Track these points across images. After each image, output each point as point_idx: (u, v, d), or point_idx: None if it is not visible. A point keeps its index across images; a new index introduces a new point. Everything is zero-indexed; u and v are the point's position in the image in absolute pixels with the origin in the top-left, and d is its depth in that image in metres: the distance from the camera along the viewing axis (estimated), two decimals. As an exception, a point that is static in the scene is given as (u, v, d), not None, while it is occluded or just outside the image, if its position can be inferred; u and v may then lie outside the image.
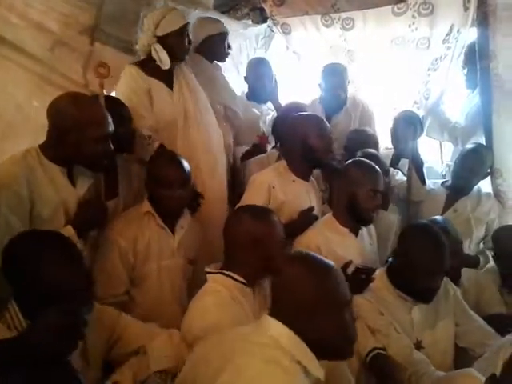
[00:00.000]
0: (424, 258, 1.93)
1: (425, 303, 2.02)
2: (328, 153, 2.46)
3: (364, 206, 2.26)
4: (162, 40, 2.50)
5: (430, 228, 2.09)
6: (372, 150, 2.89)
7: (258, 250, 1.78)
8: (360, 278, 2.08)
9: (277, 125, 3.00)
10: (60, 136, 1.86)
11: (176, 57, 2.57)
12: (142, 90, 2.51)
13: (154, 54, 2.51)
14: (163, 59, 2.51)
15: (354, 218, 2.31)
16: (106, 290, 2.05)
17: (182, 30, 2.53)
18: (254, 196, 2.40)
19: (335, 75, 3.38)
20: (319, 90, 3.49)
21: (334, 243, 2.25)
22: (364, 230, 2.42)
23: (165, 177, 2.14)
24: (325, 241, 2.24)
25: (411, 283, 1.98)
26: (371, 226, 2.49)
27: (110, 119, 1.94)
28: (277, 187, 2.41)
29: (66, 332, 1.31)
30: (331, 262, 1.41)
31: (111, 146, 1.96)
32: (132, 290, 2.15)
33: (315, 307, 1.30)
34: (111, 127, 1.95)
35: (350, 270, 2.10)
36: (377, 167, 2.35)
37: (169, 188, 2.12)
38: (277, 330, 1.31)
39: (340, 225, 2.33)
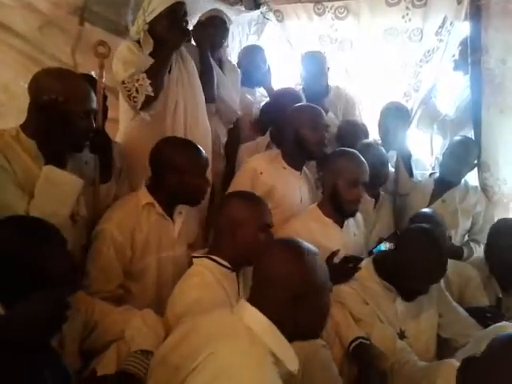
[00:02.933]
0: (426, 265, 1.95)
1: (406, 300, 2.04)
2: (319, 145, 2.44)
3: (344, 198, 2.25)
4: (152, 26, 2.36)
5: (434, 237, 2.05)
6: (371, 140, 2.89)
7: (238, 234, 1.80)
8: (347, 267, 2.09)
9: (269, 111, 2.99)
10: (39, 111, 1.78)
11: (167, 44, 2.37)
12: (139, 63, 2.34)
13: (141, 41, 2.39)
14: (146, 52, 2.38)
15: (337, 209, 2.30)
16: (99, 284, 1.95)
17: (170, 12, 2.34)
18: (237, 181, 2.44)
19: (314, 62, 3.37)
20: (300, 79, 3.48)
21: (317, 233, 2.23)
22: (350, 220, 2.42)
23: (198, 165, 2.06)
24: (306, 230, 2.21)
25: (402, 281, 2.01)
26: (358, 216, 2.49)
27: (93, 96, 1.87)
28: (265, 172, 2.42)
29: (51, 316, 1.30)
30: (313, 247, 1.40)
31: (93, 123, 1.88)
32: (130, 284, 2.05)
33: (300, 293, 1.29)
34: (95, 104, 1.87)
35: (337, 258, 2.11)
36: (361, 157, 2.32)
37: (202, 176, 2.07)
38: (252, 318, 1.31)
39: (324, 215, 2.32)
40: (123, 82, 2.29)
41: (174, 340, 1.42)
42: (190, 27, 2.62)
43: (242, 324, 1.30)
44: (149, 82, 2.27)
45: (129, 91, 2.29)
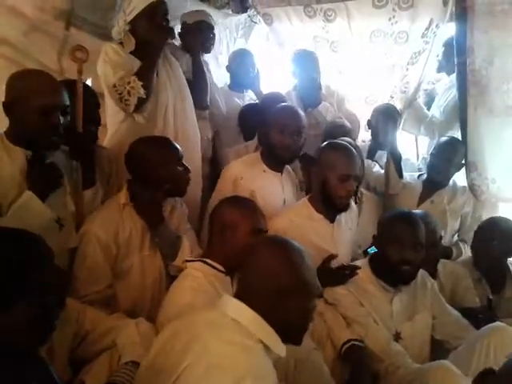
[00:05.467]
0: (396, 231, 1.97)
1: (404, 284, 2.03)
2: (287, 150, 2.42)
3: (335, 193, 2.19)
4: (133, 25, 2.35)
5: (404, 210, 2.14)
6: (346, 138, 2.87)
7: (230, 238, 1.79)
8: (342, 273, 2.07)
9: (253, 115, 2.98)
10: (8, 111, 1.76)
11: (152, 44, 2.36)
12: (126, 64, 2.33)
13: (123, 41, 2.37)
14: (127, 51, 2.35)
15: (328, 203, 2.24)
16: (87, 285, 1.93)
17: (150, 11, 2.32)
18: (220, 189, 2.43)
19: (308, 60, 3.40)
20: (294, 78, 3.50)
21: (306, 230, 2.19)
22: (342, 215, 2.35)
23: (169, 155, 2.06)
24: (294, 227, 2.17)
25: (387, 261, 1.99)
26: (353, 209, 2.45)
27: (62, 91, 1.81)
28: (245, 177, 2.40)
29: (37, 324, 1.28)
30: (300, 245, 1.41)
31: (60, 119, 1.80)
32: (115, 283, 2.02)
33: (286, 293, 1.30)
34: (62, 99, 1.81)
35: (334, 263, 2.09)
36: (352, 151, 2.27)
37: (176, 164, 2.07)
38: (237, 310, 1.31)
39: (315, 210, 2.27)
40: (114, 86, 2.28)
41: (158, 345, 1.40)
42: (176, 29, 2.61)
43: (227, 317, 1.31)
44: (140, 83, 2.27)
45: (120, 94, 2.28)
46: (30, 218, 1.71)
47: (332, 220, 2.28)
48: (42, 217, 1.79)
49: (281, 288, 1.30)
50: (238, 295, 1.37)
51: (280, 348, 1.32)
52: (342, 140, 2.80)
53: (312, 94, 3.34)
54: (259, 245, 1.46)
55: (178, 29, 3.06)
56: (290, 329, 1.34)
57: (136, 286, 2.06)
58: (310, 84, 3.37)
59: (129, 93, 2.27)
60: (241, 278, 1.42)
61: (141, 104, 2.32)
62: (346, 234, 2.37)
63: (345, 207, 2.26)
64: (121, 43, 2.40)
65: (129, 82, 2.26)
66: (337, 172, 2.17)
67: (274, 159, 2.49)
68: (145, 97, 2.30)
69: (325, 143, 2.40)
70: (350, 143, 2.78)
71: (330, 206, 2.24)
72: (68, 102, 1.86)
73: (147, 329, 1.68)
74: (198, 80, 2.75)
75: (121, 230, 2.01)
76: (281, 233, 2.10)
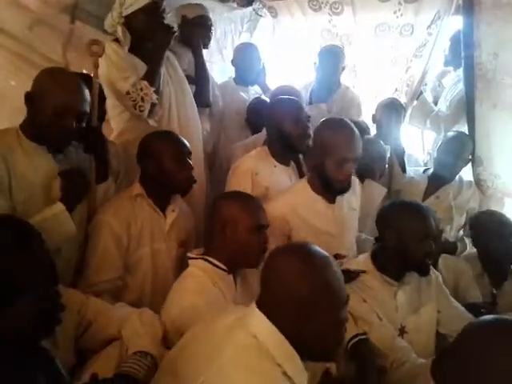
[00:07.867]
0: (411, 225, 1.92)
1: (424, 275, 2.00)
2: (303, 139, 2.37)
3: (333, 178, 2.10)
4: (129, 20, 2.35)
5: (407, 201, 2.07)
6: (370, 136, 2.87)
7: (230, 235, 1.77)
8: (346, 277, 2.05)
9: (261, 109, 2.98)
10: (28, 102, 1.79)
11: (145, 39, 2.37)
12: (129, 66, 2.36)
13: (118, 36, 2.37)
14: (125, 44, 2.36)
15: (326, 187, 2.16)
16: (98, 275, 1.95)
17: (151, 8, 2.32)
18: (237, 184, 2.37)
19: (330, 57, 3.32)
20: (315, 71, 3.45)
21: (303, 210, 2.15)
22: (344, 196, 2.25)
23: (172, 150, 2.07)
24: (290, 208, 2.14)
25: (406, 258, 1.95)
26: (355, 191, 2.36)
27: (81, 98, 1.83)
28: (259, 173, 2.37)
29: (42, 318, 1.29)
30: (328, 255, 1.33)
31: (73, 124, 1.81)
32: (127, 277, 2.05)
33: (312, 304, 1.23)
34: (78, 105, 1.82)
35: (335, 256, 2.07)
36: (351, 130, 2.10)
37: (179, 161, 2.06)
38: (261, 328, 1.25)
39: (313, 191, 2.19)
40: (128, 93, 2.31)
41: (179, 347, 1.39)
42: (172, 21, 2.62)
43: (249, 334, 1.24)
44: (153, 89, 2.30)
45: (134, 101, 2.31)
46: (56, 231, 1.73)
47: (332, 201, 2.20)
48: (68, 233, 1.82)
49: (305, 298, 1.22)
50: (262, 305, 1.29)
51: (300, 376, 1.24)
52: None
53: (327, 92, 3.30)
54: (277, 253, 1.36)
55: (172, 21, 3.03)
56: (323, 345, 1.27)
57: (148, 279, 2.08)
58: (325, 85, 3.33)
59: (142, 99, 2.30)
60: (261, 288, 1.34)
61: (153, 108, 2.36)
62: (350, 215, 2.30)
63: (344, 190, 2.17)
64: (116, 39, 2.40)
65: (141, 89, 2.30)
66: (334, 157, 2.06)
67: (287, 151, 2.45)
68: (157, 102, 2.35)
69: (321, 121, 2.23)
70: (369, 139, 2.79)
71: (329, 189, 2.16)
72: (87, 110, 1.88)
73: (150, 318, 1.69)
74: (201, 79, 2.75)
75: (133, 222, 2.04)
76: (280, 218, 2.11)
